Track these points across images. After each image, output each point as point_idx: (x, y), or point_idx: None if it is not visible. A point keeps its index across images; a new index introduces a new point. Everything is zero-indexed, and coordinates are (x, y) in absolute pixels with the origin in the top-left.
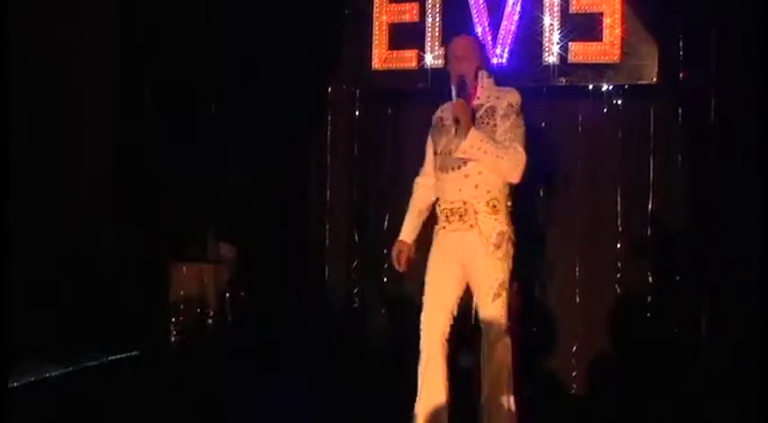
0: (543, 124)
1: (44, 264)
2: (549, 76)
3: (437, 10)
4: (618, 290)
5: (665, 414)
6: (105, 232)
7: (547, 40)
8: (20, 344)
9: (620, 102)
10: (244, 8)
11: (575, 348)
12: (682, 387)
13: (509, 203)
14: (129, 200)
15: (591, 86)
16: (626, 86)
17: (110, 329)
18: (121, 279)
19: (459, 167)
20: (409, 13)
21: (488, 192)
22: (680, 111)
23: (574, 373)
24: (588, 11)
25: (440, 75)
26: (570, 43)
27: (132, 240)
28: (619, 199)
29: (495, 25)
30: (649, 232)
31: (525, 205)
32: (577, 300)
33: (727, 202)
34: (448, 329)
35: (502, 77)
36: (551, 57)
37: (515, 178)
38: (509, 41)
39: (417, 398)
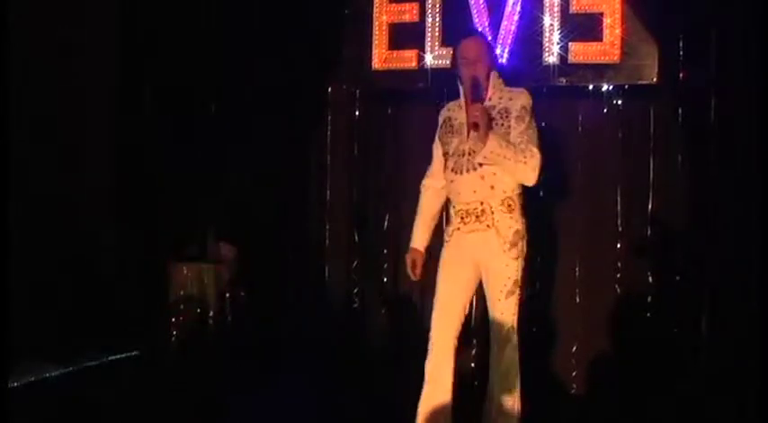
0: (543, 124)
1: (44, 264)
2: (550, 76)
3: (437, 10)
4: (618, 290)
5: (665, 414)
6: (105, 232)
7: (547, 40)
8: (20, 344)
9: (620, 102)
10: (244, 8)
11: (575, 348)
12: (682, 387)
13: (522, 202)
14: (129, 200)
15: (591, 86)
16: (626, 86)
17: (110, 329)
18: (121, 279)
19: (475, 169)
20: (409, 13)
21: (504, 191)
22: (680, 111)
23: (574, 373)
24: (588, 11)
25: (440, 75)
26: (570, 43)
27: (132, 240)
28: (619, 199)
29: (495, 25)
30: (649, 232)
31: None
32: (577, 300)
33: (727, 202)
34: (459, 329)
35: (502, 77)
36: (551, 57)
37: (533, 181)
38: (509, 41)
39: (422, 395)
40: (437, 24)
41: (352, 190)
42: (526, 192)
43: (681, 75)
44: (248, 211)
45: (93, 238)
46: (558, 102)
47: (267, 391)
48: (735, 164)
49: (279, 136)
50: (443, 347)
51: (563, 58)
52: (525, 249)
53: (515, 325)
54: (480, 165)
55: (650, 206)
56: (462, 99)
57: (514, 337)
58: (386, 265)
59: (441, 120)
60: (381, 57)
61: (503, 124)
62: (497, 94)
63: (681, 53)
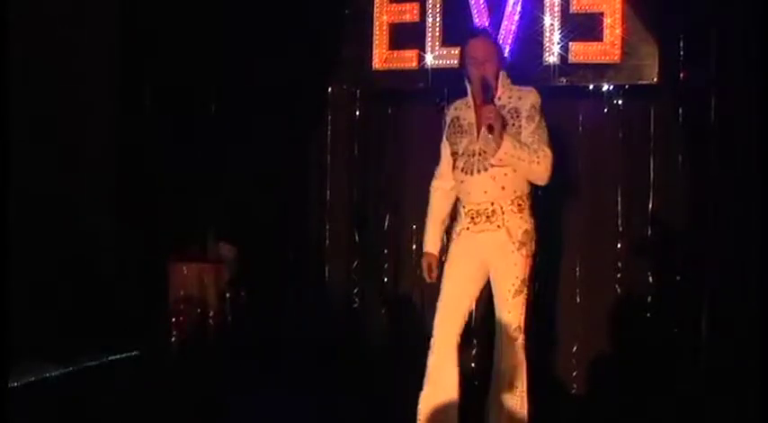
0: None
1: (44, 264)
2: (550, 76)
3: (437, 10)
4: (618, 290)
5: (665, 414)
6: (105, 232)
7: (547, 40)
8: (20, 344)
9: (620, 102)
10: (244, 8)
11: (575, 348)
12: (682, 387)
13: (531, 202)
14: (129, 200)
15: (591, 86)
16: (626, 86)
17: (110, 329)
18: (121, 279)
19: (486, 170)
20: (409, 13)
21: (514, 191)
22: (680, 111)
23: (574, 373)
24: (589, 11)
25: (440, 75)
26: (571, 43)
27: (132, 240)
28: (619, 199)
29: (495, 25)
30: (649, 232)
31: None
32: (577, 300)
33: (727, 202)
34: (462, 327)
35: None
36: (552, 57)
37: (545, 181)
38: (509, 41)
39: (422, 395)
40: (437, 24)
41: (352, 190)
42: (533, 192)
43: (681, 75)
44: (248, 211)
45: (93, 238)
46: (558, 102)
47: (267, 391)
48: (735, 164)
49: (279, 136)
50: (446, 345)
51: (563, 57)
52: (534, 249)
53: (522, 324)
54: (491, 165)
55: (650, 206)
56: (470, 98)
57: (521, 337)
58: (386, 265)
59: (448, 119)
60: (382, 57)
61: (513, 124)
62: (506, 94)
63: (681, 53)
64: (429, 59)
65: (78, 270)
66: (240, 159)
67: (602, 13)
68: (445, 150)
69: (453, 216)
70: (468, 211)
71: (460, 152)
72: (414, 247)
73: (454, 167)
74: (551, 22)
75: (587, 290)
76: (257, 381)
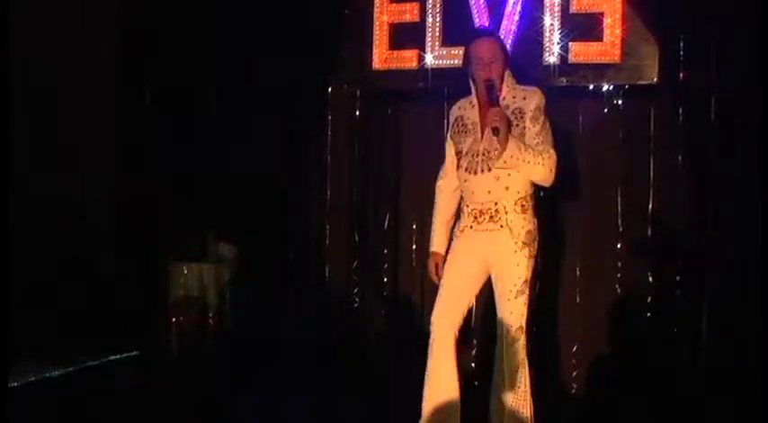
0: None
1: (44, 264)
2: (550, 76)
3: (437, 10)
4: (618, 290)
5: (665, 414)
6: (105, 232)
7: (547, 40)
8: (20, 344)
9: (620, 102)
10: (244, 8)
11: (575, 348)
12: (682, 387)
13: (534, 202)
14: (129, 200)
15: (591, 86)
16: (626, 86)
17: (110, 329)
18: (121, 279)
19: (490, 170)
20: (409, 13)
21: (518, 192)
22: (680, 111)
23: (574, 373)
24: (588, 11)
25: (440, 75)
26: (571, 43)
27: (132, 240)
28: (619, 199)
29: (495, 25)
30: (649, 232)
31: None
32: (577, 300)
33: (727, 202)
34: (460, 323)
35: None
36: (552, 57)
37: (549, 182)
38: (509, 41)
39: (424, 393)
40: (437, 24)
41: (352, 190)
42: (536, 192)
43: (681, 75)
44: (248, 211)
45: (93, 238)
46: (558, 102)
47: (267, 391)
48: (735, 164)
49: (279, 136)
50: (443, 342)
51: (563, 58)
52: (537, 250)
53: (524, 325)
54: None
55: (650, 206)
56: (474, 97)
57: (522, 337)
58: (386, 265)
59: (452, 118)
60: (381, 57)
61: (517, 125)
62: (511, 94)
63: (681, 53)
64: (429, 59)
65: (78, 270)
66: (240, 159)
67: (602, 13)
68: (449, 149)
69: (458, 215)
70: (472, 210)
71: (464, 151)
72: (414, 246)
73: (458, 166)
74: (551, 22)
75: (587, 290)
76: (257, 381)
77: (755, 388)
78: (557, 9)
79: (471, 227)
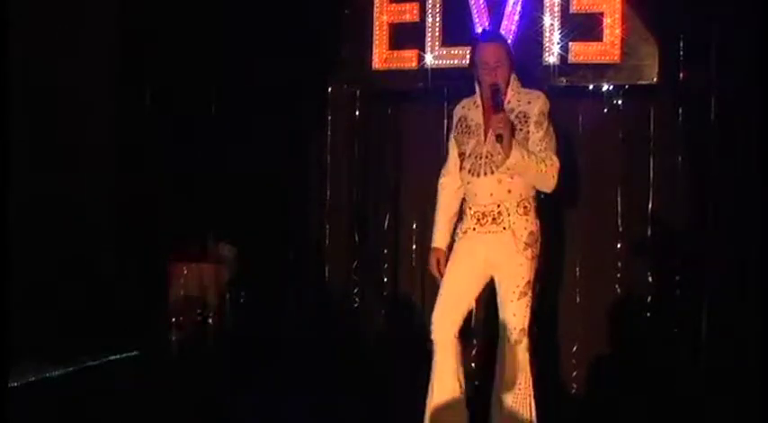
0: None
1: (44, 264)
2: (550, 76)
3: (437, 10)
4: (618, 290)
5: (665, 414)
6: (105, 232)
7: (547, 40)
8: (20, 344)
9: (620, 102)
10: (244, 8)
11: (575, 348)
12: (682, 387)
13: (537, 204)
14: (129, 200)
15: (591, 86)
16: (626, 86)
17: (110, 329)
18: (121, 279)
19: (492, 172)
20: (409, 13)
21: (520, 194)
22: (680, 111)
23: (574, 373)
24: (588, 11)
25: (440, 75)
26: (570, 43)
27: (132, 240)
28: (619, 199)
29: (495, 25)
30: (649, 232)
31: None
32: (577, 300)
33: (727, 202)
34: (460, 324)
35: None
36: (551, 57)
37: (551, 188)
38: (509, 41)
39: (429, 393)
40: (437, 24)
41: (352, 190)
42: (538, 194)
43: (681, 75)
44: (248, 211)
45: (93, 238)
46: (558, 102)
47: (267, 391)
48: (735, 164)
49: (279, 136)
50: (445, 343)
51: (563, 58)
52: (539, 251)
53: (526, 327)
54: (497, 167)
55: (650, 206)
56: (479, 99)
57: (525, 339)
58: (386, 265)
59: (455, 118)
60: (381, 57)
61: (521, 129)
62: (516, 97)
63: (681, 53)
64: (429, 59)
65: (78, 270)
66: (240, 159)
67: (602, 13)
68: (453, 149)
69: (460, 213)
70: (475, 212)
71: (467, 153)
72: (414, 246)
73: (461, 168)
74: (551, 22)
75: (587, 290)
76: (257, 381)
77: (755, 388)
78: (557, 9)
79: (474, 229)
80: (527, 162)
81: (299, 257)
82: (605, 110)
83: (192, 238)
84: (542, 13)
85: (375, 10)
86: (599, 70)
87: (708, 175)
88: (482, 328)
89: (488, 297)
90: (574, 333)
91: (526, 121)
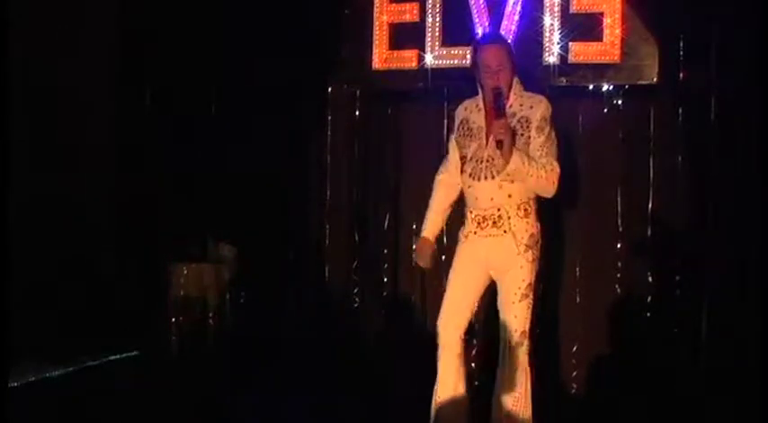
0: None
1: (44, 264)
2: (550, 76)
3: (437, 10)
4: (618, 290)
5: (665, 414)
6: (105, 232)
7: (547, 40)
8: (20, 344)
9: (620, 102)
10: (244, 8)
11: (575, 348)
12: (682, 387)
13: (537, 206)
14: (129, 200)
15: (591, 86)
16: (626, 86)
17: (110, 329)
18: (121, 279)
19: (493, 177)
20: (409, 13)
21: (521, 198)
22: (680, 111)
23: (574, 373)
24: (588, 11)
25: (440, 75)
26: (570, 43)
27: (132, 240)
28: (619, 199)
29: (495, 25)
30: (649, 232)
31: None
32: (577, 300)
33: (727, 202)
34: (466, 326)
35: None
36: (551, 57)
37: (551, 194)
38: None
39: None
40: (437, 24)
41: (352, 190)
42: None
43: (681, 75)
44: (248, 211)
45: (93, 238)
46: (558, 102)
47: (267, 391)
48: (735, 164)
49: (279, 136)
50: (451, 347)
51: (563, 58)
52: (540, 253)
53: (527, 329)
54: (498, 172)
55: (650, 206)
56: (481, 101)
57: (526, 342)
58: (386, 265)
59: (457, 120)
60: (381, 57)
61: (522, 134)
62: (518, 101)
63: (681, 53)
64: (429, 59)
65: (78, 270)
66: (240, 159)
67: (602, 13)
68: (453, 150)
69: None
70: (475, 216)
71: (469, 157)
72: (414, 246)
73: (462, 171)
74: (551, 22)
75: (587, 290)
76: (257, 381)
77: (755, 388)
78: (557, 9)
79: (475, 232)
80: (527, 168)
81: (299, 257)
82: (605, 110)
83: (192, 238)
84: (542, 13)
85: (375, 10)
86: (599, 70)
87: (708, 175)
88: (483, 330)
89: (489, 298)
90: (574, 333)
91: (528, 126)
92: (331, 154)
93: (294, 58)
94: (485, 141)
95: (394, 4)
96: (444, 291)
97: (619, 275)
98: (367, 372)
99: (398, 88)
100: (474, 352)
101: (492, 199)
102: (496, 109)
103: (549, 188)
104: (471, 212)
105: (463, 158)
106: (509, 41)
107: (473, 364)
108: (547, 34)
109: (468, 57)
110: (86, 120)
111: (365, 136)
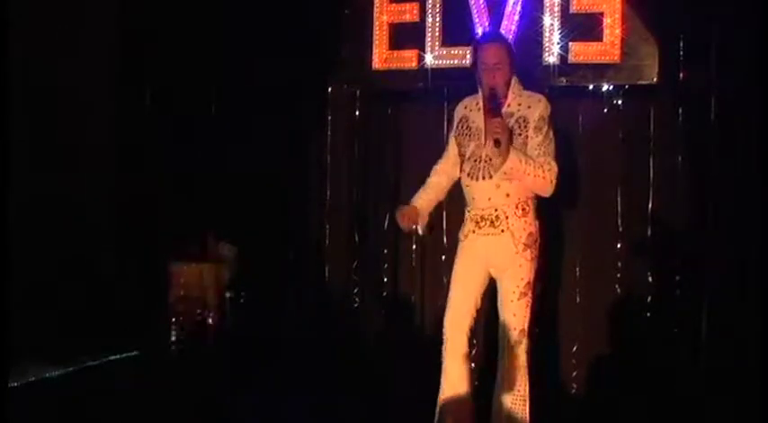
0: None
1: (44, 264)
2: (550, 76)
3: (437, 10)
4: (618, 290)
5: (665, 414)
6: (105, 232)
7: (547, 40)
8: (20, 344)
9: (620, 102)
10: (244, 8)
11: (575, 348)
12: (682, 387)
13: (536, 205)
14: (129, 200)
15: (591, 86)
16: (626, 86)
17: (110, 329)
18: (121, 279)
19: (491, 177)
20: (409, 13)
21: (519, 198)
22: (680, 111)
23: (574, 373)
24: (588, 11)
25: (440, 75)
26: (570, 43)
27: (132, 240)
28: (619, 199)
29: (495, 25)
30: (649, 232)
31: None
32: (577, 300)
33: (727, 202)
34: (471, 324)
35: None
36: (551, 57)
37: (549, 193)
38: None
39: (440, 393)
40: (437, 24)
41: (352, 190)
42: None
43: (681, 75)
44: (248, 211)
45: (93, 238)
46: (558, 102)
47: (267, 391)
48: (735, 164)
49: (279, 136)
50: (457, 344)
51: (563, 58)
52: (538, 252)
53: (526, 328)
54: (495, 171)
55: (650, 206)
56: (481, 101)
57: (525, 341)
58: (386, 265)
59: (457, 117)
60: (381, 57)
61: (520, 134)
62: (516, 101)
63: (681, 53)
64: (429, 59)
65: (78, 270)
66: (240, 159)
67: (601, 13)
68: (452, 147)
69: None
70: (474, 215)
71: (467, 156)
72: (414, 246)
73: (461, 170)
74: (551, 22)
75: (587, 290)
76: (257, 381)
77: (755, 388)
78: (557, 9)
79: (474, 232)
80: (524, 167)
81: (299, 257)
82: (605, 110)
83: (192, 238)
84: (542, 13)
85: (375, 10)
86: (599, 70)
87: (708, 175)
88: (483, 329)
89: (489, 298)
90: (574, 333)
91: (526, 126)
92: (331, 154)
93: (294, 58)
94: (483, 141)
95: (394, 4)
96: (446, 291)
97: (619, 275)
98: (367, 372)
99: (398, 88)
100: (474, 352)
101: (490, 199)
102: (493, 108)
103: (546, 187)
104: (469, 211)
105: (462, 157)
106: (509, 41)
107: (473, 364)
108: (547, 34)
109: (469, 57)
110: (86, 120)
111: (365, 136)
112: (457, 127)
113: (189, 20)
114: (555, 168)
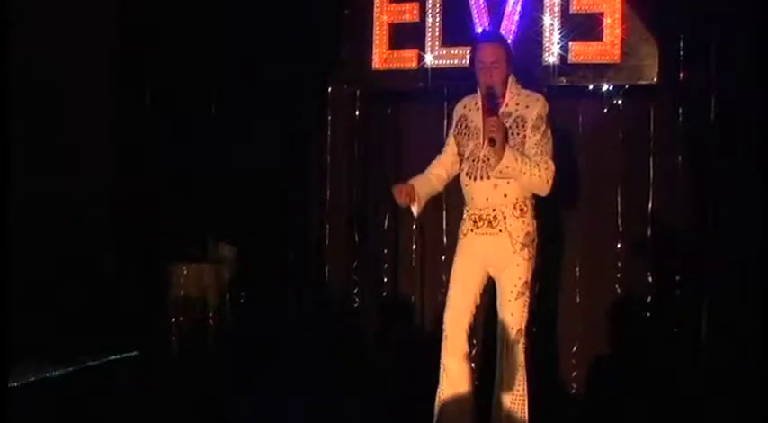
0: None
1: (44, 264)
2: (550, 76)
3: (437, 10)
4: (618, 290)
5: (665, 414)
6: (105, 232)
7: (547, 40)
8: (20, 344)
9: (620, 102)
10: (243, 8)
11: (575, 348)
12: (682, 387)
13: (534, 204)
14: (129, 200)
15: (591, 86)
16: (626, 86)
17: (110, 329)
18: (121, 279)
19: (489, 177)
20: (409, 13)
21: (516, 198)
22: (680, 111)
23: (574, 373)
24: (588, 11)
25: (440, 75)
26: (570, 43)
27: (132, 240)
28: (619, 199)
29: (495, 25)
30: (649, 232)
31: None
32: (577, 300)
33: (727, 202)
34: (471, 322)
35: None
36: (551, 57)
37: (546, 193)
38: (509, 41)
39: (439, 391)
40: (437, 24)
41: (352, 190)
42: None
43: (681, 75)
44: (248, 211)
45: (93, 238)
46: (558, 102)
47: (267, 391)
48: (735, 164)
49: (279, 136)
50: (457, 342)
51: (563, 58)
52: (536, 252)
53: (524, 327)
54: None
55: (650, 206)
56: (479, 101)
57: (522, 340)
58: (386, 265)
59: (456, 116)
60: (381, 57)
61: (518, 133)
62: (514, 100)
63: (681, 53)
64: (429, 59)
65: (78, 270)
66: (240, 159)
67: (601, 13)
68: (451, 146)
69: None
70: (471, 214)
71: (466, 155)
72: (414, 246)
73: (460, 169)
74: (551, 22)
75: (587, 290)
76: (257, 381)
77: (755, 388)
78: (557, 9)
79: (472, 231)
80: (520, 166)
81: (299, 257)
82: (605, 110)
83: (192, 238)
84: (542, 13)
85: (375, 10)
86: (599, 70)
87: (708, 175)
88: (482, 329)
89: (488, 298)
90: (574, 333)
91: (523, 125)
92: (331, 154)
93: (294, 58)
94: (482, 141)
95: (394, 4)
96: (446, 289)
97: (619, 275)
98: (367, 372)
99: (398, 88)
100: (474, 352)
101: (487, 199)
102: (489, 107)
103: (543, 187)
104: (467, 211)
105: (460, 156)
106: (508, 41)
107: (473, 364)
108: (547, 34)
109: (468, 56)
110: (86, 120)
111: (365, 136)
112: (456, 126)
113: (189, 20)
114: (552, 168)
